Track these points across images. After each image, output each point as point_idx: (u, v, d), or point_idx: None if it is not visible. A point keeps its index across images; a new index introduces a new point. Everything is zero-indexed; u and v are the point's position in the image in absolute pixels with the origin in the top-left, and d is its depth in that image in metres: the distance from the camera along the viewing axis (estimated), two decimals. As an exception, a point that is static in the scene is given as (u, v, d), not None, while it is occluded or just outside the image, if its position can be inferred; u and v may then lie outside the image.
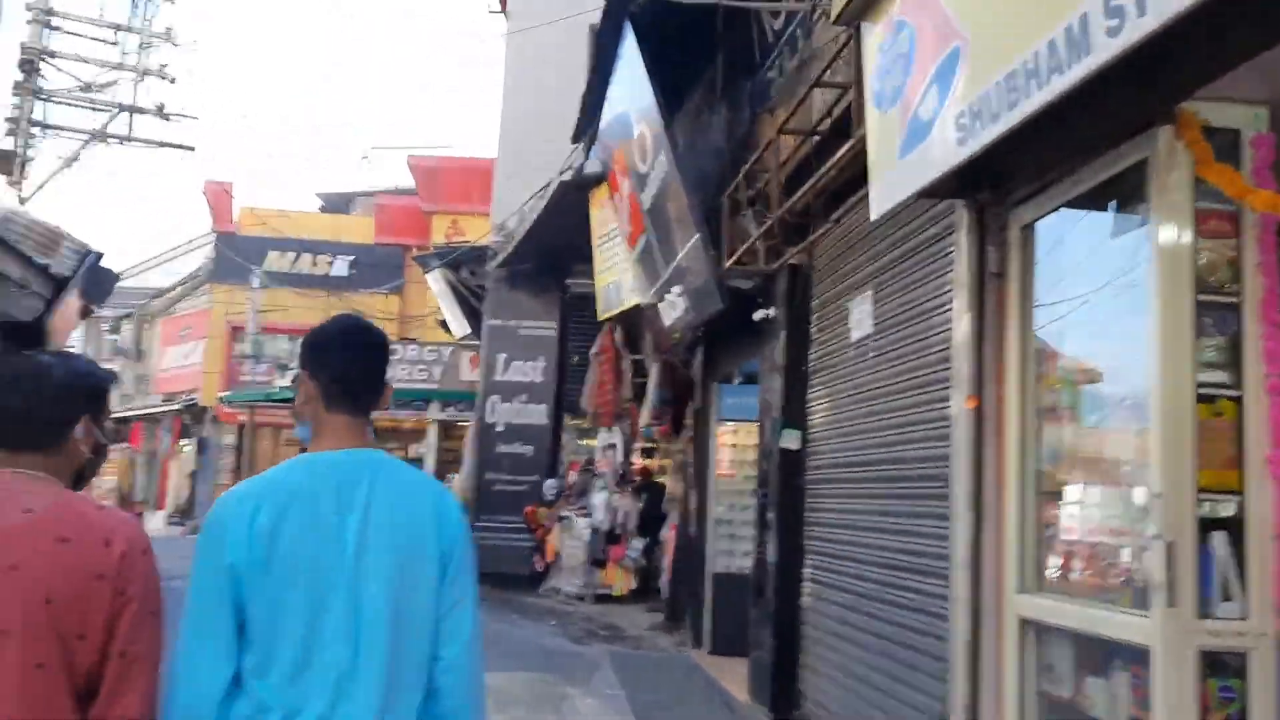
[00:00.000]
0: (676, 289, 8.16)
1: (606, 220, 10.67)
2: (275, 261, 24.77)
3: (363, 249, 25.16)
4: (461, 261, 14.66)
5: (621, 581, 12.56)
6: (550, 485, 13.67)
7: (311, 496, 1.93)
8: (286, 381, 23.94)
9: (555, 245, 13.24)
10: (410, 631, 1.94)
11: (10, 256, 7.07)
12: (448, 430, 21.41)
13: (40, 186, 10.96)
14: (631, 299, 10.19)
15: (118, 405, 29.09)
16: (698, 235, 7.38)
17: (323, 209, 28.60)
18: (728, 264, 7.34)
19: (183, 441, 25.93)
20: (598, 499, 12.54)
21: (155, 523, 23.70)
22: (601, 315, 10.82)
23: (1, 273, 6.93)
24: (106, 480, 28.75)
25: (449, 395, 20.66)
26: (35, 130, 11.13)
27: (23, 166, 10.65)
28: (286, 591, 1.87)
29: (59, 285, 8.55)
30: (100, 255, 9.20)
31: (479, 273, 14.68)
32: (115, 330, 28.92)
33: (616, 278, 10.54)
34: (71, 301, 9.46)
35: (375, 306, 24.33)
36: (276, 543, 1.87)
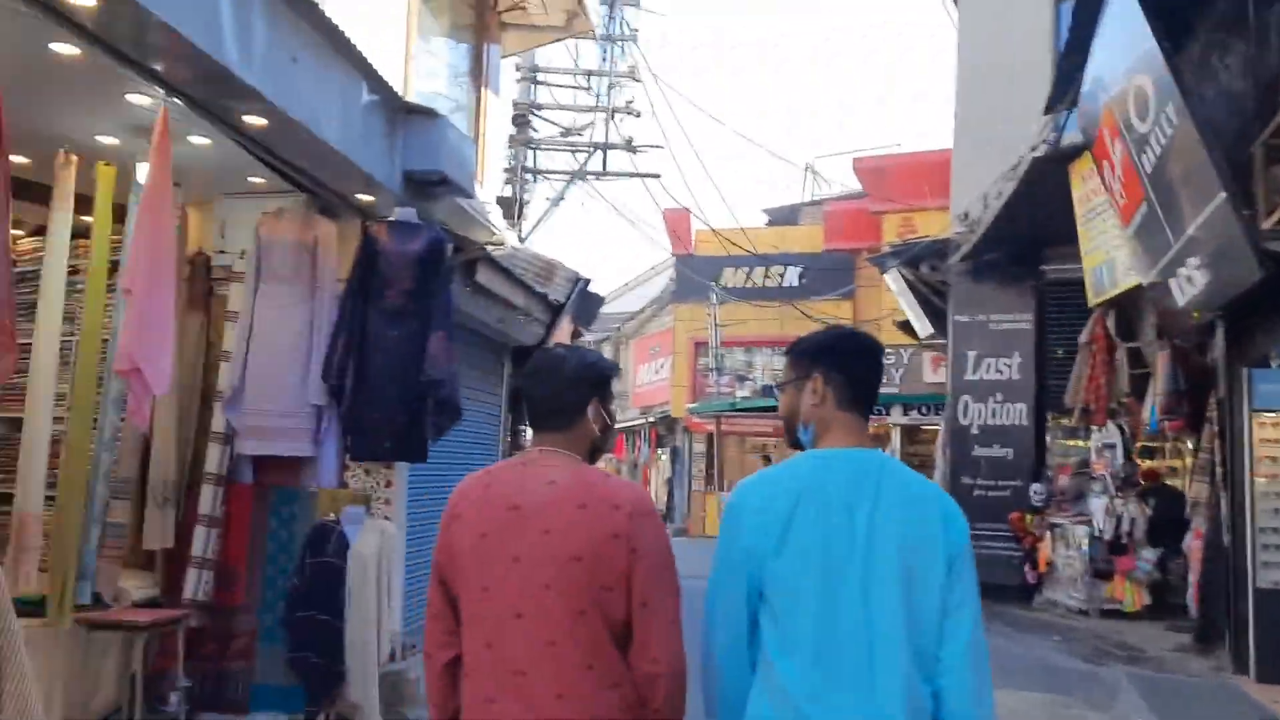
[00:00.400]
0: (1192, 261, 6.96)
1: (1091, 194, 9.51)
2: (730, 278, 25.76)
3: (812, 257, 25.32)
4: (920, 258, 14.00)
5: (1132, 596, 11.10)
6: (1037, 490, 12.51)
7: (823, 489, 2.02)
8: (746, 392, 24.81)
9: (1027, 229, 12.14)
10: (917, 630, 1.97)
11: (517, 287, 7.78)
12: (911, 435, 20.72)
13: (535, 226, 12.36)
14: (1129, 280, 8.96)
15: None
16: (1223, 195, 6.21)
17: (769, 224, 29.32)
18: (1267, 224, 6.07)
19: (659, 451, 27.86)
20: (1096, 504, 11.21)
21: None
22: (1092, 301, 9.66)
23: (510, 302, 7.63)
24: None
25: (911, 399, 19.98)
26: (528, 176, 12.52)
27: (520, 209, 12.00)
28: (800, 578, 1.98)
29: (555, 311, 9.36)
30: (588, 281, 9.95)
31: (940, 268, 13.92)
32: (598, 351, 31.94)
33: (1107, 257, 9.34)
34: (565, 324, 10.34)
35: (827, 313, 24.36)
36: (790, 530, 1.99)
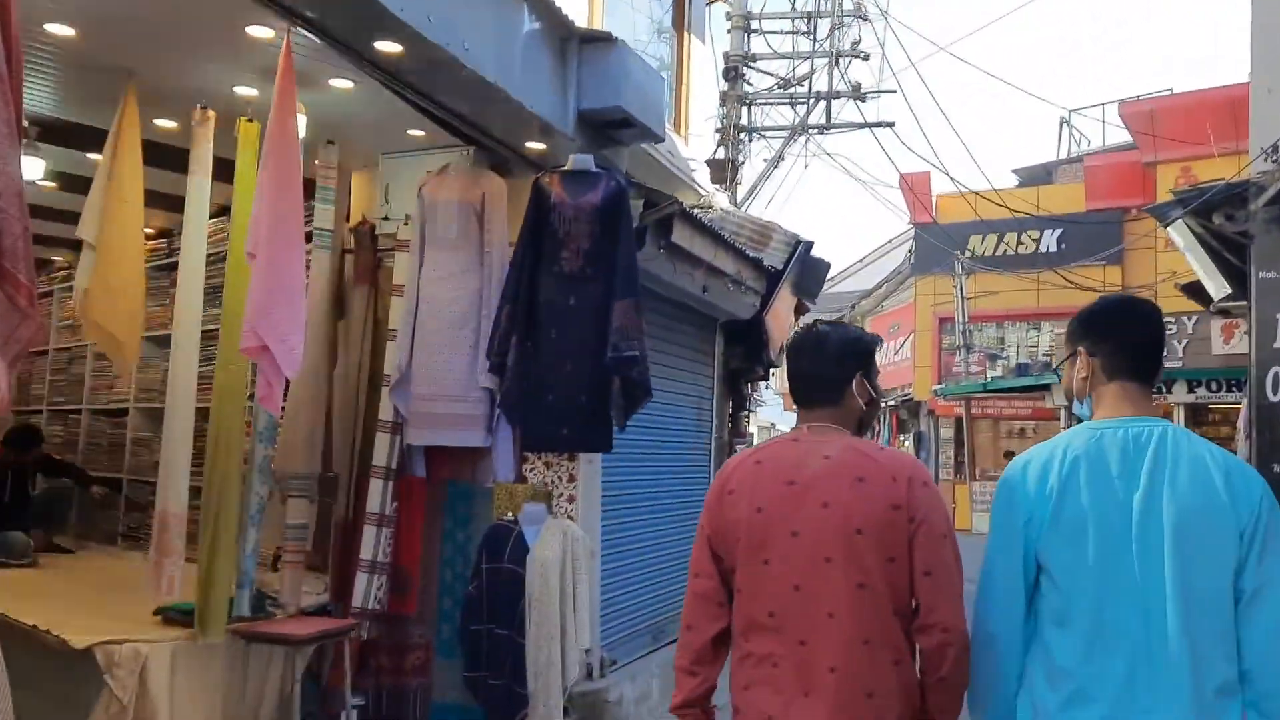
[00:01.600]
0: None
1: None
2: (977, 246, 23.65)
3: (1072, 219, 22.76)
4: (1212, 206, 11.81)
5: None
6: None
7: (1097, 460, 2.00)
8: (999, 371, 22.65)
9: (1355, 161, 9.87)
10: (1203, 606, 1.89)
11: (726, 252, 6.84)
12: (1198, 415, 18.08)
13: (752, 191, 11.24)
14: None
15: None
16: None
17: (1020, 185, 26.77)
18: None
19: (901, 437, 26.14)
20: None
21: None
22: None
23: (716, 268, 6.70)
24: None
25: (1197, 375, 17.40)
26: (742, 136, 11.46)
27: (734, 172, 10.97)
28: (1074, 550, 1.97)
29: (771, 279, 8.33)
30: (810, 245, 8.83)
31: (1237, 217, 11.70)
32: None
33: None
34: (785, 296, 9.27)
35: (1091, 279, 21.80)
36: (1064, 501, 1.99)
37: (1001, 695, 2.07)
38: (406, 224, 4.91)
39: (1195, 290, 16.21)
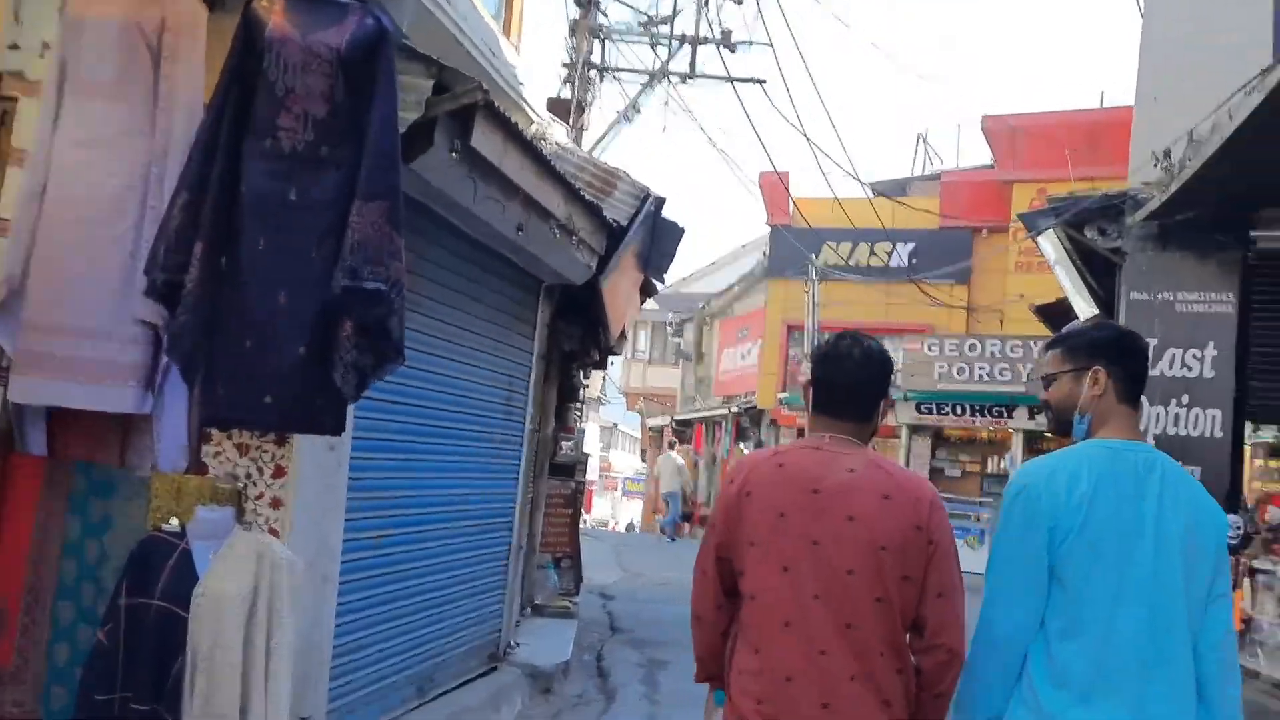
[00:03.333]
0: None
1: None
2: (830, 255, 22.96)
3: (925, 234, 22.35)
4: (1084, 219, 11.09)
5: (1381, 679, 8.16)
6: (1234, 524, 9.58)
7: (1115, 476, 2.14)
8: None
9: (1243, 178, 9.20)
10: (1193, 618, 2.10)
11: (554, 185, 5.29)
12: (1032, 442, 17.72)
13: (601, 141, 9.77)
14: None
15: (681, 408, 29.58)
16: None
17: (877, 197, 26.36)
18: None
19: (740, 445, 25.23)
20: (1336, 550, 8.28)
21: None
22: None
23: (542, 206, 5.15)
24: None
25: (1038, 401, 16.97)
26: (593, 74, 9.99)
27: (580, 113, 9.46)
28: (1095, 560, 2.09)
29: (614, 239, 6.87)
30: (661, 202, 7.40)
31: (1110, 232, 11.00)
32: (679, 333, 29.42)
33: None
34: (630, 266, 7.80)
35: (939, 296, 21.41)
36: (1093, 511, 2.09)
37: (999, 698, 2.16)
38: (42, 57, 3.14)
39: (1048, 314, 15.79)
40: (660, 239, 7.38)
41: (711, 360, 27.91)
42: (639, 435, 37.94)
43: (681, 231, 7.37)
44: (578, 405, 10.63)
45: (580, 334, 8.40)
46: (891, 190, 26.21)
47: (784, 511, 2.19)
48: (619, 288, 7.45)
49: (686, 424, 28.76)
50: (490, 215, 4.81)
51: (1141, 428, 8.84)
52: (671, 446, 23.50)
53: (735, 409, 25.08)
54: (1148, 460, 2.17)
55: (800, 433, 22.35)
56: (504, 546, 6.29)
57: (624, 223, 6.59)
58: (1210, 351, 10.24)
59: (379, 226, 2.95)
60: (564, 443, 9.22)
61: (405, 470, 4.78)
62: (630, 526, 35.94)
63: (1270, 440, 10.41)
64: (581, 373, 9.49)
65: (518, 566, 6.76)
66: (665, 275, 8.27)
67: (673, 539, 20.73)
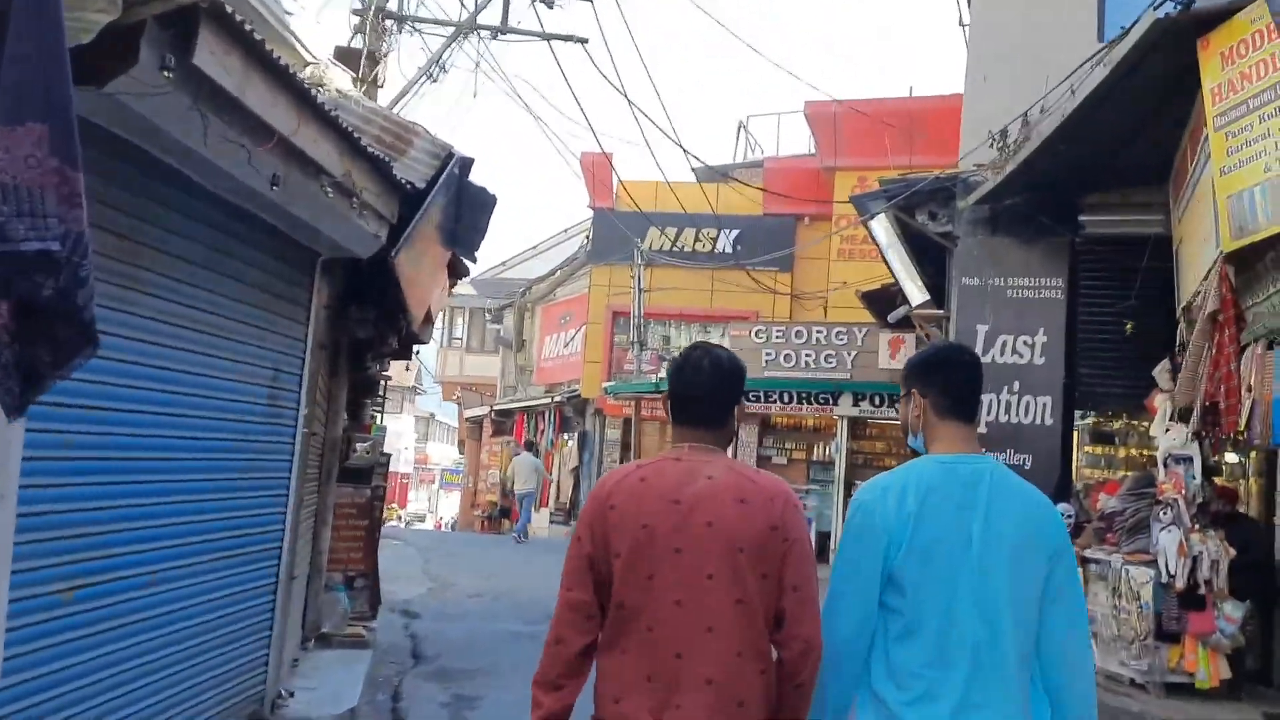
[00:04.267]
0: None
1: (1242, 79, 6.34)
2: (655, 239, 22.34)
3: (749, 221, 22.05)
4: (916, 202, 10.77)
5: (1207, 667, 8.06)
6: (1064, 512, 9.41)
7: (944, 489, 2.28)
8: (664, 374, 21.45)
9: (1074, 162, 8.99)
10: (1023, 617, 2.25)
11: (324, 130, 4.16)
12: (856, 429, 17.65)
13: (400, 100, 8.52)
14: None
15: (501, 398, 28.40)
16: None
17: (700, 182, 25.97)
18: None
19: (564, 436, 24.33)
20: (1167, 540, 8.12)
21: (537, 520, 22.10)
22: (1230, 244, 6.48)
23: (307, 156, 4.02)
24: (491, 473, 28.15)
25: (863, 387, 16.87)
26: (389, 23, 8.77)
27: (373, 65, 8.20)
28: (926, 568, 2.24)
29: (410, 205, 5.78)
30: (469, 163, 6.35)
31: (941, 216, 10.71)
32: (498, 320, 28.17)
33: (1265, 177, 6.17)
34: (433, 242, 6.69)
35: (764, 283, 21.17)
36: (920, 525, 2.25)
37: (844, 701, 2.31)
38: None
39: (873, 300, 15.61)
40: (468, 209, 6.32)
41: (533, 348, 26.86)
42: (457, 425, 36.40)
43: (493, 200, 6.33)
44: (377, 400, 9.42)
45: (375, 319, 7.24)
46: (714, 177, 25.96)
47: (647, 523, 2.25)
48: (420, 265, 6.35)
49: (507, 414, 27.62)
50: (231, 163, 3.66)
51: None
52: (530, 447, 22.27)
53: (558, 398, 24.17)
54: (976, 472, 2.32)
55: (627, 422, 21.75)
56: (269, 575, 5.12)
57: (422, 186, 5.49)
58: (1040, 338, 10.10)
59: (37, 161, 1.91)
60: (359, 444, 8.02)
61: (112, 498, 3.59)
62: (448, 523, 34.47)
63: (1103, 428, 10.36)
64: (380, 364, 8.30)
65: (290, 596, 5.59)
66: (476, 253, 7.21)
67: (518, 540, 19.63)
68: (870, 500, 2.31)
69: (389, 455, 9.56)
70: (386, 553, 11.89)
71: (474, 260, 7.48)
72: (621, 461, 21.24)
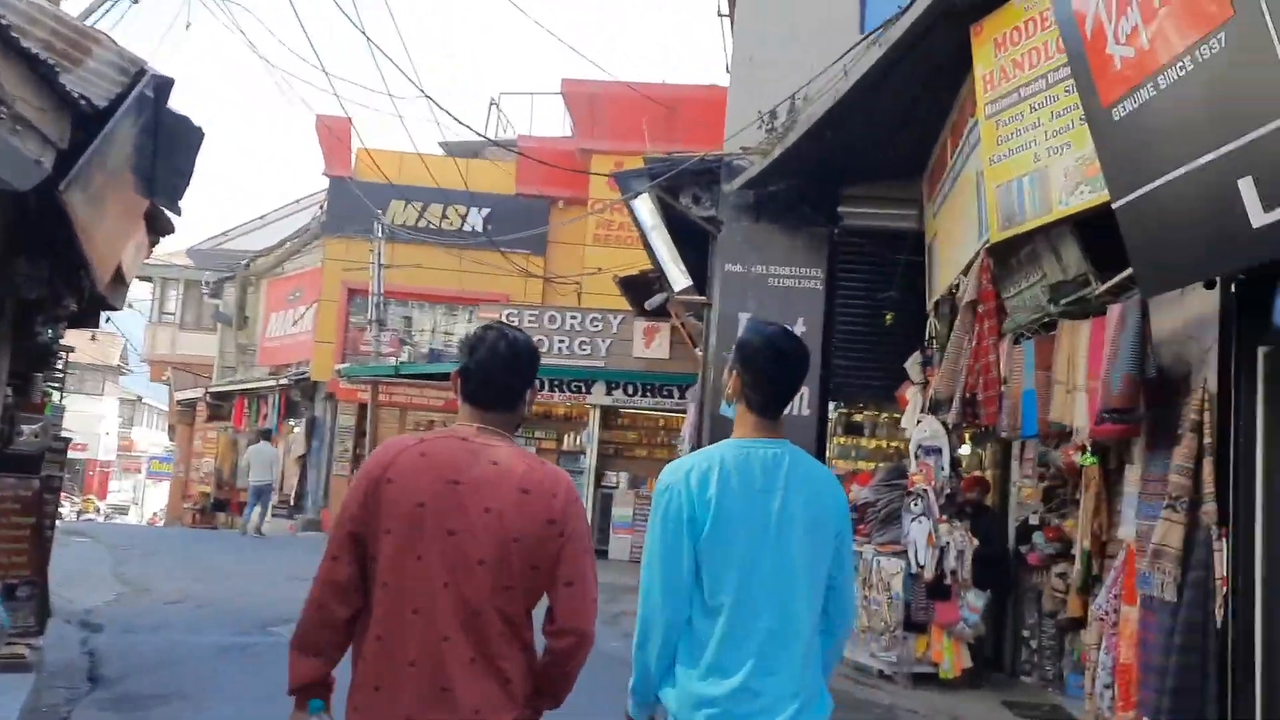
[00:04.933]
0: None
1: (1013, 67, 6.29)
2: (399, 213, 21.00)
3: (501, 200, 21.19)
4: (680, 184, 10.39)
5: (951, 657, 8.18)
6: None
7: (746, 473, 2.38)
8: (406, 357, 20.20)
9: (837, 153, 8.90)
10: (815, 588, 2.41)
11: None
12: (611, 418, 17.30)
13: (89, 18, 6.96)
14: (1079, 199, 5.79)
15: (218, 379, 25.84)
16: None
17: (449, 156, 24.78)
18: None
19: (290, 421, 22.42)
20: (917, 531, 8.15)
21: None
22: (998, 235, 6.42)
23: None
24: (205, 462, 25.60)
25: (617, 376, 16.50)
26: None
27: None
28: (727, 549, 2.34)
29: (87, 129, 4.56)
30: (168, 84, 5.16)
31: (704, 200, 10.40)
32: (217, 294, 25.60)
33: (1035, 167, 6.14)
34: (126, 188, 5.41)
35: (517, 266, 20.40)
36: (721, 507, 2.34)
37: (657, 677, 2.39)
38: None
39: (630, 285, 15.22)
40: (167, 144, 5.12)
41: (256, 326, 24.59)
42: (168, 409, 33.00)
43: (199, 135, 5.14)
44: (55, 374, 7.83)
45: (49, 275, 5.86)
46: (464, 153, 24.85)
47: (423, 501, 2.21)
48: (103, 208, 5.08)
49: (225, 397, 25.19)
50: None
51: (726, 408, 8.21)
52: (266, 436, 20.15)
53: (285, 381, 22.22)
54: (776, 456, 2.41)
55: (362, 408, 20.27)
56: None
57: (103, 105, 4.30)
58: (800, 328, 9.96)
59: None
60: (25, 426, 6.52)
61: None
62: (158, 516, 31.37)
63: (853, 419, 10.42)
64: (54, 330, 6.82)
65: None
66: (180, 202, 5.96)
67: (244, 534, 17.68)
68: (674, 483, 2.37)
69: (68, 439, 8.00)
70: (66, 553, 10.14)
71: (178, 212, 6.22)
72: (356, 451, 19.80)
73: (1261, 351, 5.24)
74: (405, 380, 18.18)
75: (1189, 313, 5.79)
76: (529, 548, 2.22)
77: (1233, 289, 5.37)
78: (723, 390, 2.60)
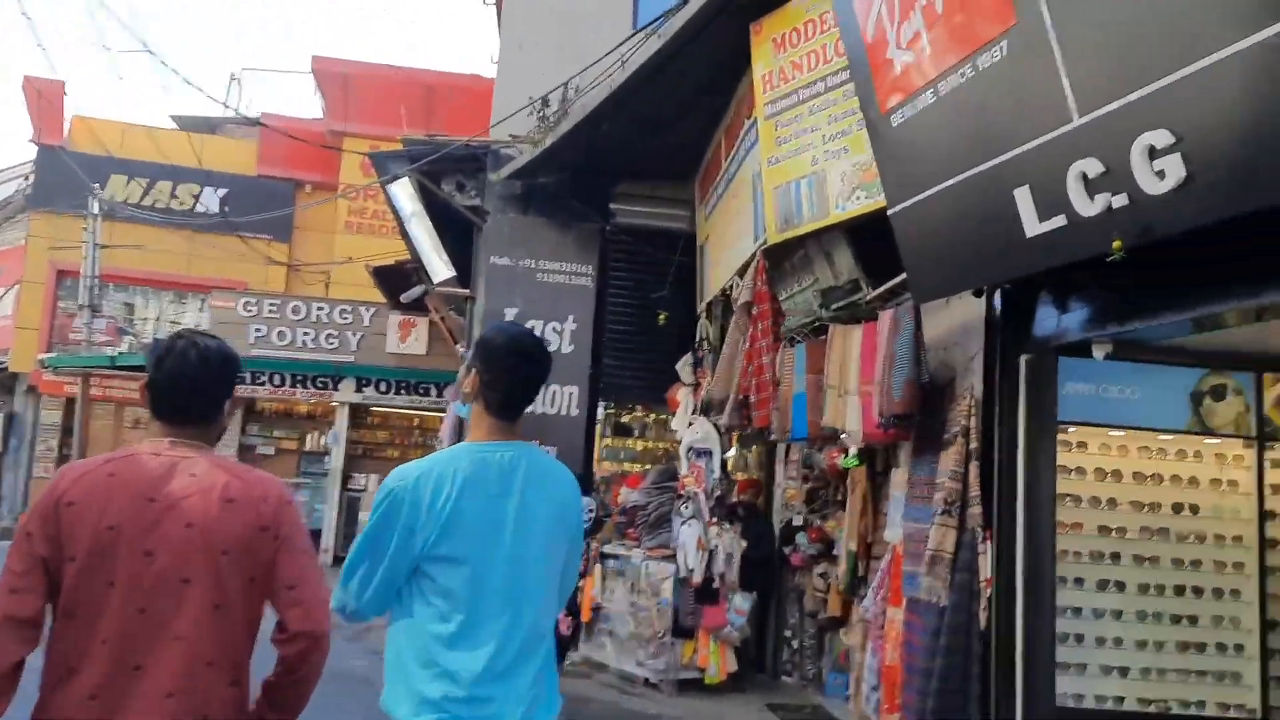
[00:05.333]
0: (1160, 137, 3.85)
1: (793, 68, 6.24)
2: (120, 189, 18.94)
3: (241, 180, 19.58)
4: (442, 169, 9.79)
5: (717, 661, 8.12)
6: (584, 506, 9.05)
7: (481, 479, 2.31)
8: (125, 347, 18.20)
9: (611, 147, 8.66)
10: (552, 589, 2.43)
11: None
12: (361, 416, 16.33)
13: None
14: (855, 204, 5.80)
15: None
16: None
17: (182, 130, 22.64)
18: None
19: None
20: (687, 534, 8.03)
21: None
22: (776, 237, 6.34)
23: None
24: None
25: (368, 371, 15.57)
26: None
27: None
28: (462, 556, 2.26)
29: None
30: None
31: (469, 188, 9.86)
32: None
33: (813, 170, 6.11)
34: None
35: (258, 252, 18.90)
36: (458, 511, 2.26)
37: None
38: None
39: (385, 276, 14.37)
40: None
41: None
42: None
43: None
44: None
45: None
46: (199, 128, 22.79)
47: (115, 523, 2.06)
48: None
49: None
50: None
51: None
52: None
53: (-22, 373, 19.48)
54: (513, 459, 2.36)
55: (69, 403, 18.04)
56: None
57: None
58: (570, 325, 9.65)
59: None
60: None
61: None
62: None
63: (621, 420, 10.20)
64: None
65: None
66: None
67: None
68: (400, 489, 2.27)
69: None
70: None
71: None
72: (62, 450, 17.62)
73: (1024, 359, 5.42)
74: (123, 372, 16.33)
75: (954, 320, 5.93)
76: (240, 560, 2.10)
77: (998, 297, 5.53)
78: (459, 389, 2.47)
